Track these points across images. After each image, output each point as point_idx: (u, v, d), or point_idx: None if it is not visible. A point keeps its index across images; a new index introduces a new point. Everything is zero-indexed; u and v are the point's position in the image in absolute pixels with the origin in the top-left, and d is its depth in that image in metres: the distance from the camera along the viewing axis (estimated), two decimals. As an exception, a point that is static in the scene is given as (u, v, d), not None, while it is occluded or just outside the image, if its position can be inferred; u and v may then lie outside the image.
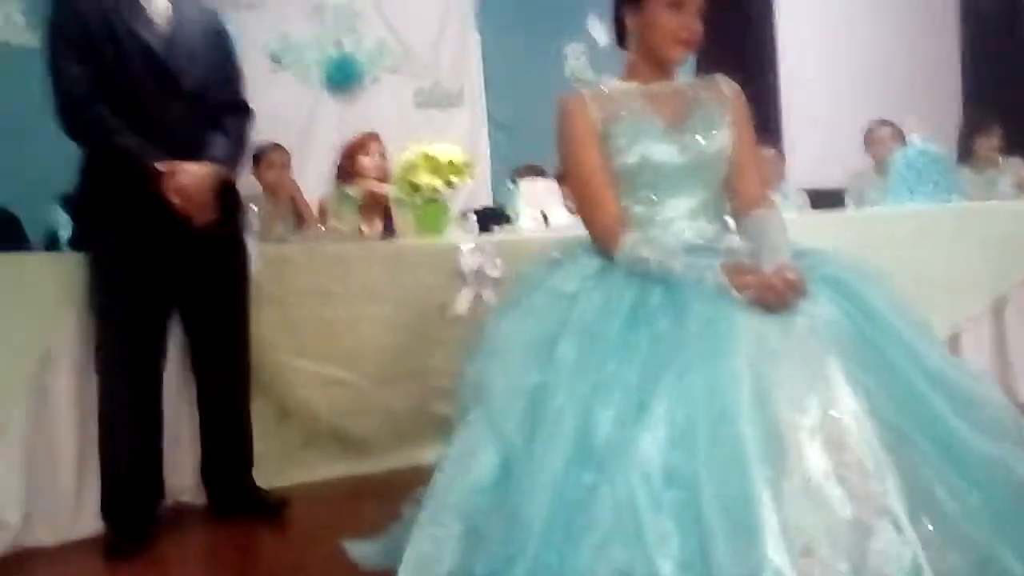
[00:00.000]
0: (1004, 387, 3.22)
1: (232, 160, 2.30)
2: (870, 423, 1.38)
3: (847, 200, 4.16)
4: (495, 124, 5.41)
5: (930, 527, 1.37)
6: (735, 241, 1.71)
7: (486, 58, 5.39)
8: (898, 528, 1.33)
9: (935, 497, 1.40)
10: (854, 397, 1.40)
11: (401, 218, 3.34)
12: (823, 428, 1.36)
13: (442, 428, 2.83)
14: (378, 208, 3.60)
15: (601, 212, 1.71)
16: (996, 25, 5.94)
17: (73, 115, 2.13)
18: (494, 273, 2.86)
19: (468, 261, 2.86)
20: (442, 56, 5.31)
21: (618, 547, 1.34)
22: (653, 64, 1.74)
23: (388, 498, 2.49)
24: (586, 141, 1.71)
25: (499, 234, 3.19)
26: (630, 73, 1.77)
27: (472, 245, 2.87)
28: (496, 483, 1.52)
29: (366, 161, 3.56)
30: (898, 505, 1.34)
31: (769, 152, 4.06)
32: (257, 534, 2.36)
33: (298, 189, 3.83)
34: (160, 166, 2.13)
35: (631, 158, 1.69)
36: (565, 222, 3.31)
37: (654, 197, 1.72)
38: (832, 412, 1.38)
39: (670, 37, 1.68)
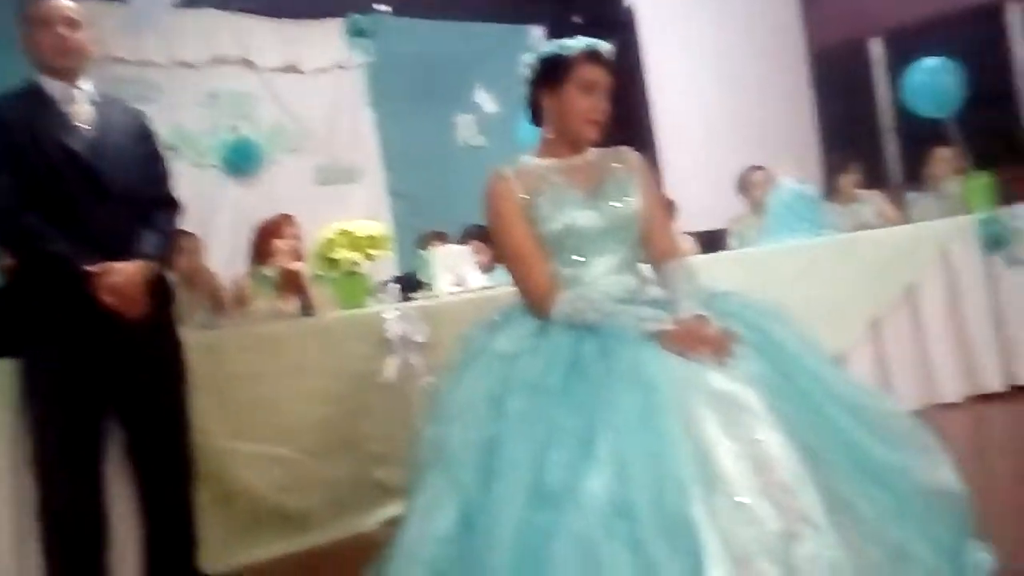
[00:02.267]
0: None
1: (162, 253, 2.36)
2: (790, 445, 1.59)
3: (730, 242, 4.50)
4: (395, 194, 5.57)
5: (848, 529, 1.58)
6: (655, 291, 1.92)
7: (381, 132, 5.57)
8: (820, 534, 1.52)
9: (851, 504, 1.61)
10: (774, 423, 1.60)
11: (319, 293, 3.44)
12: (750, 452, 1.56)
13: (380, 494, 2.94)
14: (294, 286, 3.66)
15: (534, 277, 1.88)
16: (843, 71, 6.59)
17: (2, 225, 2.16)
18: (419, 338, 2.98)
19: (394, 328, 2.97)
20: (338, 133, 5.46)
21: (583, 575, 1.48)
22: (568, 141, 1.94)
23: (334, 569, 2.56)
24: (513, 216, 1.89)
25: (421, 300, 3.32)
26: (546, 149, 1.97)
27: (397, 313, 2.99)
28: (459, 534, 1.64)
29: (280, 244, 3.63)
30: (818, 514, 1.54)
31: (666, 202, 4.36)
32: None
33: (212, 274, 3.86)
34: (91, 268, 2.18)
35: (556, 225, 1.87)
36: (481, 282, 3.47)
37: (580, 259, 1.91)
38: (757, 437, 1.58)
39: (583, 119, 1.89)
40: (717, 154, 5.53)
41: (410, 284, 3.82)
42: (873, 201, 4.49)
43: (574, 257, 1.90)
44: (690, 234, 5.01)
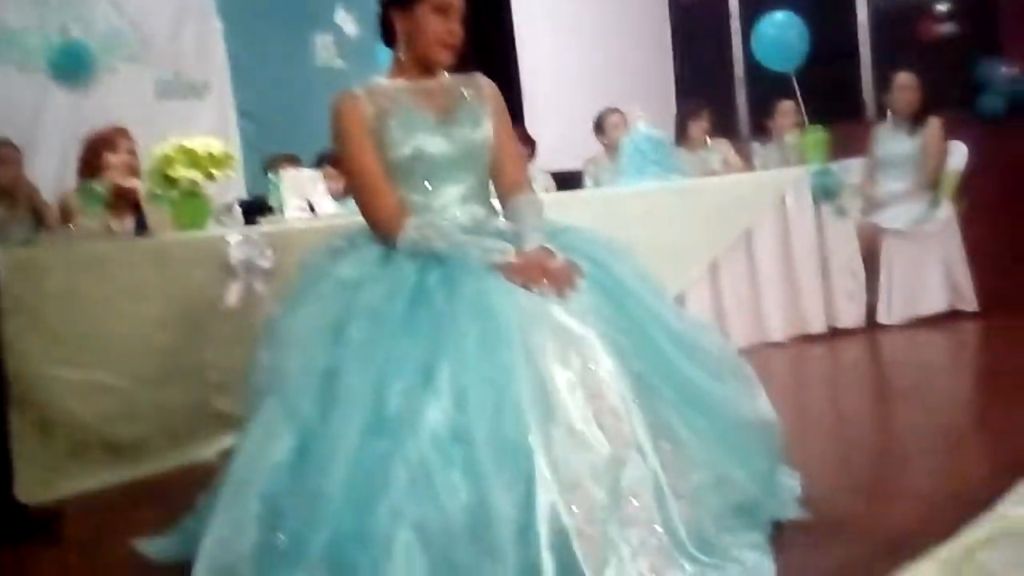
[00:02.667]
0: (721, 334, 3.78)
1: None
2: (621, 374, 1.64)
3: (585, 181, 4.58)
4: (244, 114, 5.28)
5: (671, 455, 1.66)
6: (502, 223, 1.92)
7: (231, 46, 5.24)
8: (644, 458, 1.60)
9: (675, 430, 1.70)
10: (607, 353, 1.65)
11: (155, 214, 3.25)
12: (584, 380, 1.60)
13: (220, 423, 2.85)
14: (127, 204, 3.44)
15: (381, 202, 1.84)
16: (702, 22, 6.76)
17: None
18: (265, 264, 2.88)
19: (237, 253, 2.85)
20: (182, 44, 5.09)
21: (413, 505, 1.48)
22: (420, 64, 1.89)
23: (167, 500, 2.47)
24: (361, 138, 1.83)
25: (268, 225, 3.19)
26: (398, 71, 1.91)
27: (240, 237, 2.87)
28: (294, 463, 1.61)
29: (113, 158, 3.38)
30: (644, 440, 1.61)
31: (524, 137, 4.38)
32: (30, 553, 2.23)
33: (35, 188, 3.56)
34: None
35: (406, 151, 1.83)
36: (332, 210, 3.38)
37: (428, 186, 1.88)
38: (590, 366, 1.62)
39: (437, 41, 1.84)
40: (578, 95, 5.57)
41: (258, 208, 3.66)
42: (720, 149, 4.68)
43: (422, 184, 1.87)
44: (549, 173, 5.09)
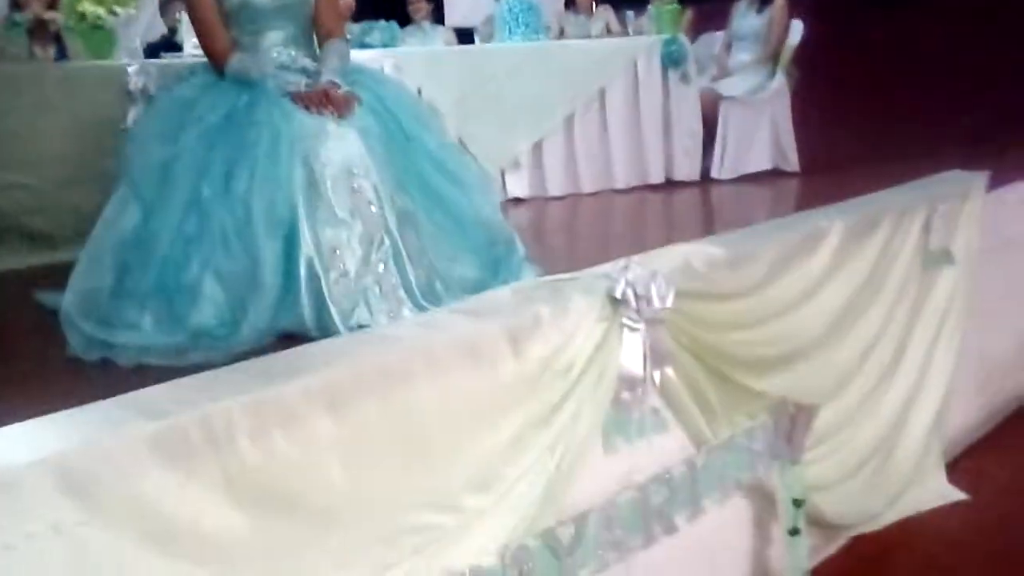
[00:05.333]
0: (572, 181, 4.41)
1: None
2: (379, 175, 2.26)
3: (477, 39, 5.07)
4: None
5: (414, 239, 2.31)
6: (309, 62, 2.48)
7: None
8: (392, 239, 2.24)
9: (420, 224, 2.34)
10: (370, 162, 2.26)
11: (72, 44, 3.74)
12: (347, 180, 2.22)
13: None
14: (48, 35, 3.91)
15: (214, 40, 2.40)
16: None
17: None
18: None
19: (135, 81, 3.38)
20: None
21: (215, 259, 2.14)
22: None
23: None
24: None
25: (163, 59, 3.70)
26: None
27: (137, 67, 3.39)
28: (138, 229, 2.24)
29: (34, -8, 3.82)
30: (393, 227, 2.25)
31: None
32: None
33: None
34: None
35: (235, 1, 2.36)
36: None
37: (254, 30, 2.43)
38: (355, 170, 2.24)
39: None
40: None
41: (172, 46, 4.15)
42: (604, 17, 5.14)
43: (250, 27, 2.42)
44: (454, 29, 5.56)
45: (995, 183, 3.38)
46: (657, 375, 1.96)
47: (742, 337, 2.21)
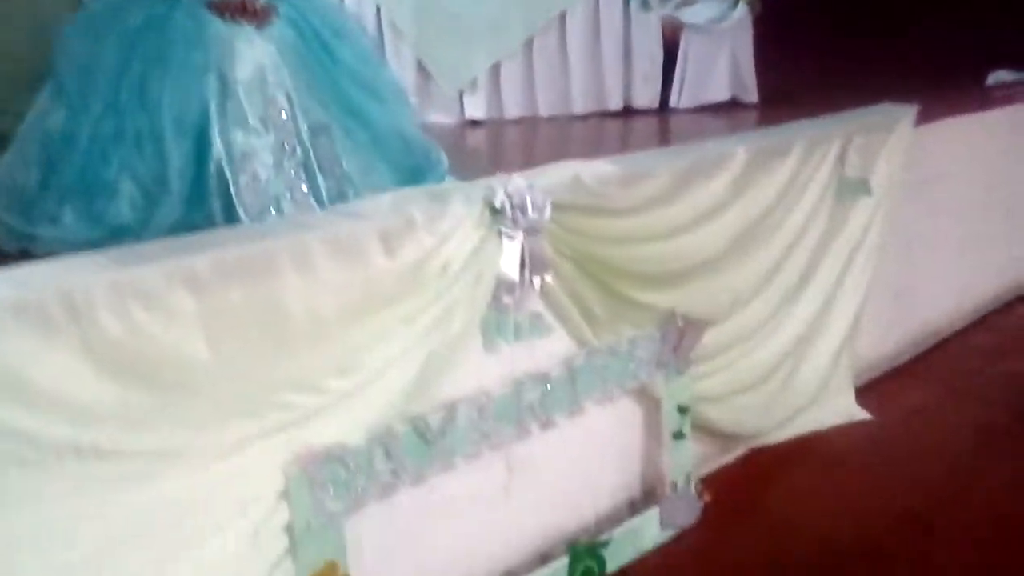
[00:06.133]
0: (529, 104, 4.48)
1: None
2: (294, 85, 2.36)
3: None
4: None
5: (327, 148, 2.42)
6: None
7: None
8: (303, 147, 2.35)
9: (333, 131, 2.44)
10: (285, 70, 2.35)
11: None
12: (260, 87, 2.32)
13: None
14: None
15: None
16: None
17: None
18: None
19: None
20: None
21: (135, 157, 2.25)
22: None
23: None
24: None
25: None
26: None
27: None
28: (63, 127, 2.34)
29: None
30: (305, 135, 2.36)
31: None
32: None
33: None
34: None
35: None
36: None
37: None
38: (269, 77, 2.34)
39: None
40: None
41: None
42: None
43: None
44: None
45: (930, 117, 3.46)
46: (537, 281, 2.10)
47: (631, 253, 2.33)
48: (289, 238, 1.69)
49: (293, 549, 1.76)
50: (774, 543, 2.52)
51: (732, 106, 4.67)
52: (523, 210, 1.99)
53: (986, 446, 3.11)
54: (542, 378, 2.16)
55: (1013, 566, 2.45)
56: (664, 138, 4.39)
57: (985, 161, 3.97)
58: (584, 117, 4.54)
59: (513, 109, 4.43)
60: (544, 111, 4.49)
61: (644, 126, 4.46)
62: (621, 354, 2.33)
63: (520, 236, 2.02)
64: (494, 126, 4.37)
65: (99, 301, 1.43)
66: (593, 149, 4.24)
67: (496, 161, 3.87)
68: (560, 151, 4.07)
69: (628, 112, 4.60)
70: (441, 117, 4.28)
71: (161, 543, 1.58)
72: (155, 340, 1.50)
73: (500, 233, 2.00)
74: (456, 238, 1.93)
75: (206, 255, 1.56)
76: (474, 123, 4.35)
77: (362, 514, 1.94)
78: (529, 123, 4.43)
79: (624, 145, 4.24)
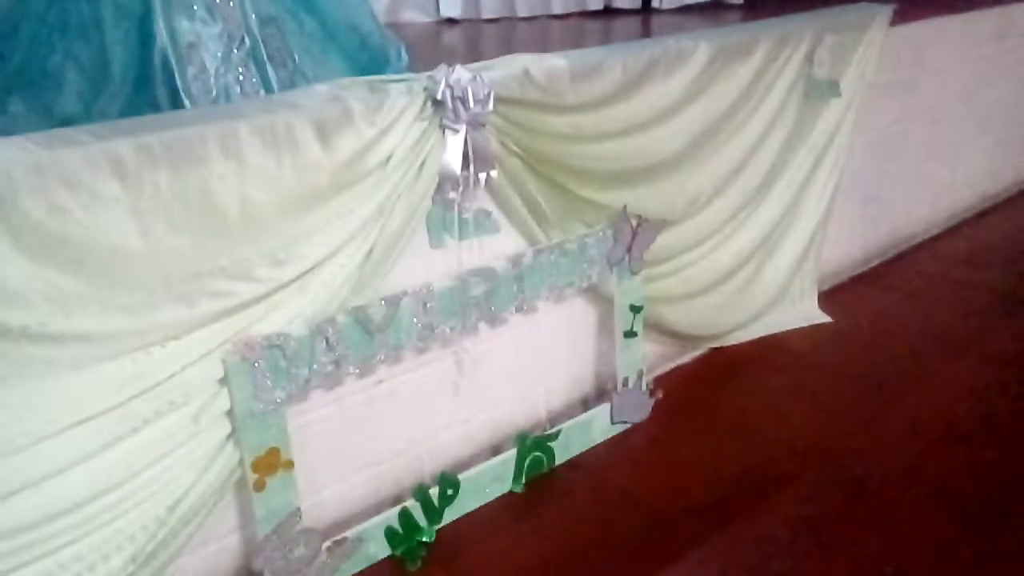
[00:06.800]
0: (507, 4, 4.36)
1: None
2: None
3: None
4: None
5: (278, 39, 2.38)
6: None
7: None
8: (252, 39, 2.31)
9: (285, 24, 2.39)
10: None
11: None
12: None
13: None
14: None
15: None
16: None
17: None
18: None
19: None
20: None
21: (79, 46, 2.22)
22: None
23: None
24: None
25: None
26: None
27: None
28: (9, 15, 2.31)
29: None
30: (255, 26, 2.31)
31: None
32: None
33: None
34: None
35: None
36: None
37: None
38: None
39: None
40: None
41: None
42: None
43: None
44: None
45: (909, 17, 3.37)
46: (483, 177, 2.09)
47: (583, 150, 2.31)
48: (218, 125, 1.67)
49: (235, 435, 1.81)
50: (722, 440, 2.58)
51: (717, 6, 4.55)
52: (464, 102, 1.96)
53: (936, 345, 3.15)
54: (486, 273, 2.17)
55: (954, 464, 2.51)
56: (643, 38, 4.30)
57: (965, 66, 3.89)
58: (563, 17, 4.44)
59: (490, 8, 4.32)
60: (522, 11, 4.38)
61: (624, 26, 4.35)
62: (571, 252, 2.34)
63: (463, 130, 2.00)
64: (470, 26, 4.27)
65: (21, 184, 1.43)
66: (569, 49, 4.17)
67: (466, 61, 3.79)
68: (533, 51, 4.00)
69: (608, 12, 4.50)
70: (416, 15, 4.19)
71: (103, 427, 1.62)
72: (80, 224, 1.50)
73: (443, 126, 1.98)
74: (397, 131, 1.91)
75: (131, 139, 1.55)
76: (450, 22, 4.26)
77: (308, 403, 2.00)
78: (506, 23, 4.33)
79: (601, 44, 4.16)
